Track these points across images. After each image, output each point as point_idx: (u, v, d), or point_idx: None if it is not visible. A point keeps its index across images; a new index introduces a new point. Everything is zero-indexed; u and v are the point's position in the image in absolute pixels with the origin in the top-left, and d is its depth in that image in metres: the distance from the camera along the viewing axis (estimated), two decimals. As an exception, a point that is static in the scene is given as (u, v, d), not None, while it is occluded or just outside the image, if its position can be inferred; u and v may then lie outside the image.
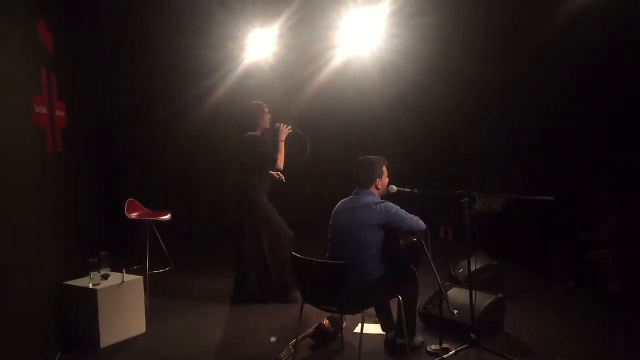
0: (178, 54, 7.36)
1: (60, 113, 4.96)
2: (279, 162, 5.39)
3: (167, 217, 5.74)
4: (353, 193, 4.17)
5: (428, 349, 4.24)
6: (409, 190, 4.29)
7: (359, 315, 3.93)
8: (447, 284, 4.98)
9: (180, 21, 6.90)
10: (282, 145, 5.42)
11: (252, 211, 5.38)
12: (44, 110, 4.44)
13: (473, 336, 4.20)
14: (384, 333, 4.41)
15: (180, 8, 6.60)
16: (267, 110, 5.48)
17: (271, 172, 5.60)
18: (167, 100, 7.73)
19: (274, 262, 5.39)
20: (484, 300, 4.48)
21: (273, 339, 4.72)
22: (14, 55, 3.87)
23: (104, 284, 4.52)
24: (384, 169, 4.19)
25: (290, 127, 5.48)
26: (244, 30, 6.80)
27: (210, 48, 7.06)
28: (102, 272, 4.59)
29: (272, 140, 5.48)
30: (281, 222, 5.46)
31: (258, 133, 5.45)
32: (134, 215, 5.69)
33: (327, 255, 4.17)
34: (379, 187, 4.16)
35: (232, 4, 6.51)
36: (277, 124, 5.46)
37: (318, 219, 4.84)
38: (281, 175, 5.68)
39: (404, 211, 4.04)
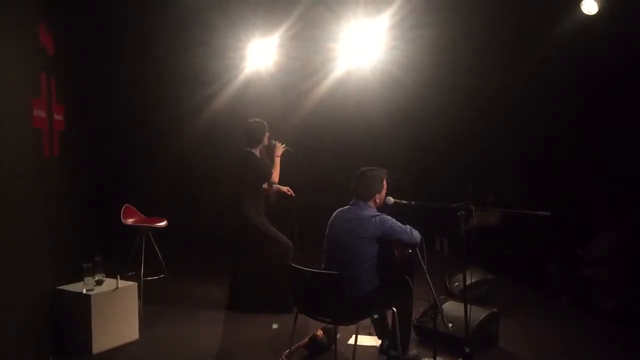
0: (178, 62, 7.37)
1: (58, 117, 4.96)
2: (273, 176, 5.54)
3: (163, 223, 5.72)
4: (350, 203, 4.17)
5: (422, 361, 4.22)
6: (406, 202, 4.29)
7: (353, 327, 3.92)
8: (442, 297, 4.97)
9: (180, 29, 6.93)
10: (277, 161, 5.61)
11: (246, 225, 5.42)
12: (43, 114, 4.44)
13: (467, 350, 4.17)
14: (378, 344, 4.39)
15: (181, 16, 6.63)
16: (267, 127, 5.58)
17: (279, 187, 5.71)
18: (167, 108, 7.73)
19: (270, 271, 5.38)
20: (478, 313, 4.48)
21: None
22: (14, 58, 3.88)
23: (98, 290, 4.50)
24: (384, 182, 4.20)
25: (284, 144, 5.65)
26: (244, 40, 6.81)
27: (210, 57, 7.07)
28: (96, 278, 4.57)
29: (267, 156, 5.63)
30: (277, 232, 5.47)
31: (257, 149, 5.53)
32: (129, 221, 5.68)
33: (322, 265, 4.16)
34: (377, 200, 4.16)
35: (232, 13, 6.54)
36: (273, 141, 5.63)
37: (317, 229, 4.83)
38: (290, 191, 5.78)
39: (399, 223, 4.04)
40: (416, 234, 4.07)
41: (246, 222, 5.41)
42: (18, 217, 3.79)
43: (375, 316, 4.20)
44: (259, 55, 6.95)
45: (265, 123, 5.57)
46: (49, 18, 4.77)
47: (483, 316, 4.49)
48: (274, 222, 5.60)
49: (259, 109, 5.68)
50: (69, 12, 5.57)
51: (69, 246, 5.21)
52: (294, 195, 5.81)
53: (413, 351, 4.32)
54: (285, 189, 5.77)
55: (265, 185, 5.62)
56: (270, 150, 5.64)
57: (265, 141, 5.58)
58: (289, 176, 5.80)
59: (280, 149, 5.61)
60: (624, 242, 5.55)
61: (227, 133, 7.30)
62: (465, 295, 4.23)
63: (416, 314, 4.62)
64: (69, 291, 4.50)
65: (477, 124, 7.60)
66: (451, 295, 5.44)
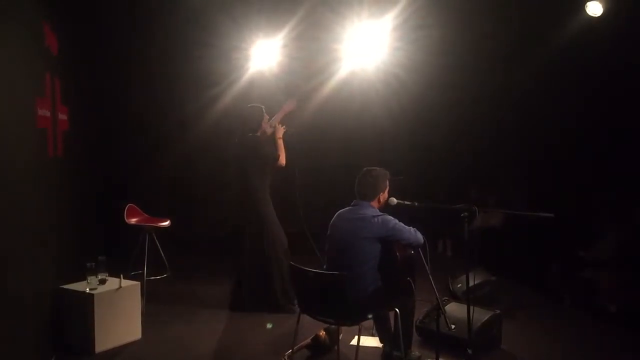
0: (183, 63, 7.38)
1: (62, 117, 4.97)
2: (280, 159, 5.49)
3: (166, 223, 5.73)
4: (351, 204, 4.16)
5: (424, 363, 4.22)
6: (409, 203, 4.29)
7: (356, 327, 3.92)
8: (445, 298, 4.97)
9: (185, 30, 6.94)
10: (280, 143, 5.57)
11: (255, 213, 5.41)
12: (47, 114, 4.46)
13: (469, 351, 4.16)
14: (380, 345, 4.39)
15: (186, 18, 6.64)
16: (264, 111, 5.60)
17: (285, 108, 5.76)
18: (171, 108, 7.74)
19: (274, 271, 5.38)
20: (481, 315, 4.47)
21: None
22: (19, 58, 3.89)
23: (101, 289, 4.51)
24: (387, 182, 4.19)
25: (284, 126, 5.64)
26: (248, 40, 6.82)
27: (214, 57, 7.08)
28: (99, 277, 4.58)
29: (269, 140, 5.62)
30: (281, 230, 5.48)
31: (258, 134, 5.53)
32: (133, 220, 5.68)
33: (324, 266, 4.16)
34: (381, 200, 4.16)
35: (236, 14, 6.55)
36: (273, 124, 5.64)
37: (319, 229, 4.84)
38: (292, 104, 5.83)
39: (402, 224, 4.04)
40: (419, 235, 4.07)
41: (254, 205, 5.41)
42: (22, 216, 3.81)
43: (370, 316, 4.16)
44: (263, 56, 6.95)
45: (262, 107, 5.57)
46: (53, 18, 4.79)
47: (486, 318, 4.48)
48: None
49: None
50: (73, 12, 5.58)
51: (72, 245, 5.22)
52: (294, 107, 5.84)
53: (415, 352, 4.32)
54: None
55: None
56: (272, 134, 5.63)
57: (265, 125, 5.57)
58: (291, 176, 5.79)
59: (281, 130, 5.59)
60: (625, 243, 5.55)
61: (231, 133, 7.31)
62: (468, 297, 4.23)
63: (419, 315, 4.62)
64: (72, 290, 4.51)
65: (480, 125, 7.60)
66: (454, 297, 5.43)
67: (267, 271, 5.38)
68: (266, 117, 5.58)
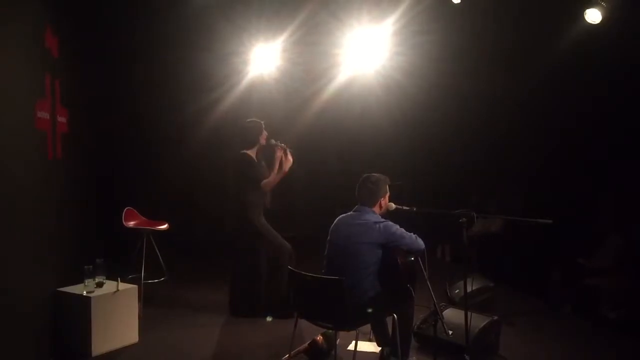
0: (183, 67, 7.39)
1: (62, 119, 4.97)
2: (270, 179, 5.34)
3: (165, 226, 5.73)
4: (353, 209, 4.16)
5: (421, 368, 4.21)
6: (408, 208, 4.29)
7: (353, 332, 3.91)
8: (443, 304, 4.96)
9: (185, 34, 6.96)
10: (277, 162, 5.40)
11: (246, 227, 5.40)
12: (46, 116, 4.46)
13: (467, 357, 4.15)
14: (378, 350, 4.38)
15: (186, 22, 6.65)
16: (264, 127, 5.51)
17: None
18: (171, 112, 7.74)
19: (271, 276, 5.38)
20: (479, 321, 4.46)
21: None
22: (19, 60, 3.90)
23: (98, 292, 4.50)
24: (387, 187, 4.19)
25: (282, 144, 5.46)
26: (248, 45, 6.84)
27: (214, 61, 7.09)
28: (97, 280, 4.57)
29: (265, 157, 5.54)
30: (278, 236, 5.46)
31: (254, 150, 5.48)
32: (131, 223, 5.68)
33: (322, 271, 4.15)
34: (382, 205, 4.16)
35: (236, 18, 6.56)
36: (272, 141, 5.49)
37: (318, 234, 4.83)
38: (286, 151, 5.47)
39: (403, 230, 4.03)
40: (420, 242, 4.06)
41: (247, 223, 5.39)
42: (20, 219, 3.80)
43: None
44: (262, 60, 6.96)
45: (261, 123, 5.49)
46: (55, 21, 4.79)
47: (483, 324, 4.47)
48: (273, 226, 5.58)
49: (262, 114, 5.67)
50: (75, 15, 5.58)
51: (70, 248, 5.21)
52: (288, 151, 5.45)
53: (413, 358, 4.31)
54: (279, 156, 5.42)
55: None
56: (269, 151, 5.53)
57: (263, 141, 5.49)
58: (292, 181, 5.78)
59: (280, 150, 5.45)
60: (626, 250, 5.54)
61: (231, 138, 7.31)
62: (466, 303, 4.22)
63: (416, 320, 4.60)
64: (70, 293, 4.50)
65: (481, 131, 7.61)
66: (452, 302, 5.42)
67: (265, 277, 5.38)
68: (265, 133, 5.50)
